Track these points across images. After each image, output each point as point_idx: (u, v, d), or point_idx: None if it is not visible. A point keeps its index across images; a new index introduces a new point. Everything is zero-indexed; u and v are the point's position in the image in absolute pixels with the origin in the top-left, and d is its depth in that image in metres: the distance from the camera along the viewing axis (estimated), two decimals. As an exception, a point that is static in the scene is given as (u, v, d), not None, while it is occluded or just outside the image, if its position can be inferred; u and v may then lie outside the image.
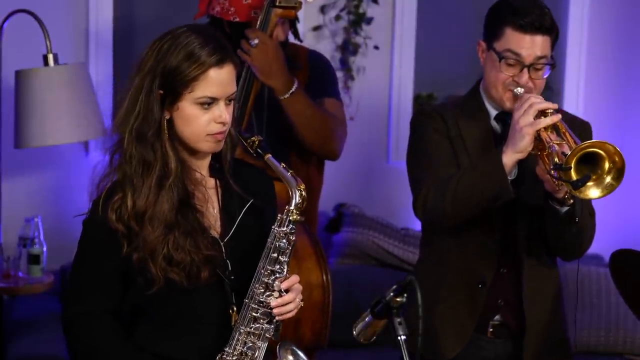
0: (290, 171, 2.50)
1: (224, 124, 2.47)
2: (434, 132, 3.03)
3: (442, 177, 2.95)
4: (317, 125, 3.42)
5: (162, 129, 2.46)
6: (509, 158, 2.82)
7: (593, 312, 4.66)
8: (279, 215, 2.49)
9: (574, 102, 5.11)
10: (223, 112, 2.47)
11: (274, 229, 2.48)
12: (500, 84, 2.95)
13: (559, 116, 2.80)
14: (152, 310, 2.51)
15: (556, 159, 2.68)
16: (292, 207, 2.48)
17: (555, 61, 2.98)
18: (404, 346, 2.31)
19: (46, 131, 4.07)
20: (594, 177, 2.67)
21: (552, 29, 2.92)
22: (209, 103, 2.45)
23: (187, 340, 2.52)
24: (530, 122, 2.78)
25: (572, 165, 2.64)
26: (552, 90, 5.18)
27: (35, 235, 4.23)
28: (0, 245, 4.20)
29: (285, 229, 2.47)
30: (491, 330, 3.06)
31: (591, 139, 3.04)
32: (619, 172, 2.68)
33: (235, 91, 2.51)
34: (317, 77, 3.58)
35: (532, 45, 2.90)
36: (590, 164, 2.67)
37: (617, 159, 2.67)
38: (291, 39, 3.64)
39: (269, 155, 2.50)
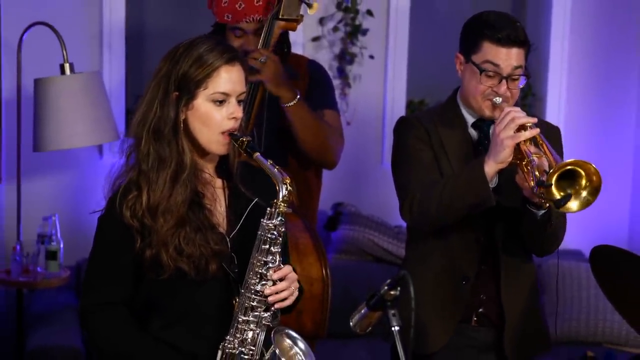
0: (277, 167, 2.48)
1: (236, 119, 2.49)
2: (416, 140, 3.04)
3: (426, 183, 2.96)
4: (316, 133, 3.43)
5: (178, 127, 2.48)
6: (491, 168, 2.83)
7: (574, 304, 4.66)
8: (268, 209, 2.47)
9: (556, 107, 5.11)
10: (235, 109, 2.49)
11: (263, 221, 2.47)
12: (480, 95, 2.96)
13: (538, 130, 2.81)
14: (162, 303, 2.52)
15: (537, 173, 2.69)
16: (279, 200, 2.46)
17: (530, 72, 3.00)
18: (398, 337, 2.31)
19: (63, 135, 4.05)
20: (572, 192, 2.68)
21: (525, 42, 2.94)
22: (221, 100, 2.47)
23: (195, 331, 2.52)
24: (510, 135, 2.79)
25: (553, 182, 2.66)
26: (535, 97, 5.19)
27: (52, 233, 4.22)
28: (20, 242, 4.20)
29: (274, 221, 2.46)
30: (475, 319, 3.07)
31: (560, 143, 3.08)
32: (595, 190, 2.69)
33: (244, 92, 2.53)
34: (317, 86, 3.59)
35: (508, 57, 2.91)
36: (569, 178, 2.69)
37: (594, 178, 2.69)
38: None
39: (258, 154, 2.48)
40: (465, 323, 3.07)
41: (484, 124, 3.02)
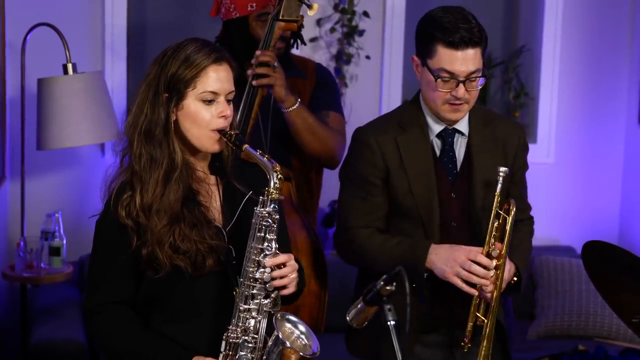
0: (267, 156, 2.48)
1: (225, 118, 2.48)
2: (369, 167, 2.93)
3: (366, 233, 2.93)
4: (317, 135, 3.43)
5: (169, 128, 2.47)
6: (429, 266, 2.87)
7: (566, 299, 4.66)
8: (261, 197, 2.46)
9: (548, 106, 5.11)
10: (225, 108, 2.48)
11: (257, 209, 2.45)
12: (439, 100, 2.84)
13: (476, 293, 2.84)
14: (161, 299, 2.52)
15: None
16: (271, 188, 2.45)
17: (488, 72, 2.88)
18: (394, 331, 2.30)
19: (66, 134, 4.06)
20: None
21: (481, 40, 2.79)
22: (210, 99, 2.47)
23: (195, 325, 2.52)
24: (453, 280, 2.83)
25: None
26: (528, 96, 5.18)
27: (55, 229, 4.23)
28: (24, 238, 4.20)
29: (268, 208, 2.45)
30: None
31: (525, 142, 3.02)
32: None
33: (233, 91, 2.52)
34: (322, 88, 3.59)
35: (464, 61, 2.77)
36: None
37: None
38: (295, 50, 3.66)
39: (246, 145, 2.48)
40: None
41: (448, 134, 2.92)
